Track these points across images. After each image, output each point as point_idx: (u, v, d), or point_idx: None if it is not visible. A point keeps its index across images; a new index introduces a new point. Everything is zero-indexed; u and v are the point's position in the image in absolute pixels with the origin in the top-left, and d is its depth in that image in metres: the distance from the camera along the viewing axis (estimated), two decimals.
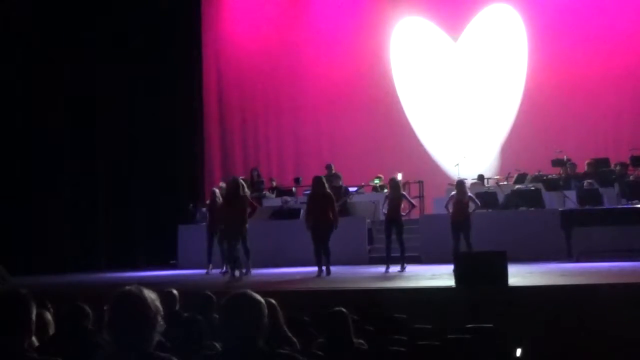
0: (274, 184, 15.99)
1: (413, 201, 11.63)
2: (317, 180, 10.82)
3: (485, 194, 12.37)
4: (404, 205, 11.10)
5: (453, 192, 11.21)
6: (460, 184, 11.20)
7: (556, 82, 16.15)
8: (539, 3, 16.90)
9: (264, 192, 15.02)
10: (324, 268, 10.45)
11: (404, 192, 11.47)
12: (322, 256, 10.47)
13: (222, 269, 11.67)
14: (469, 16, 17.19)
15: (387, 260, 10.84)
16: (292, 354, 3.00)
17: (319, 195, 10.62)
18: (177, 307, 5.97)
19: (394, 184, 11.17)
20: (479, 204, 11.20)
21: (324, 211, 10.45)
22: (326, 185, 10.88)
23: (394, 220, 10.85)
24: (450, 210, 10.99)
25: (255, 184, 14.77)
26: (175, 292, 6.08)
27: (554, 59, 16.24)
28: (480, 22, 17.13)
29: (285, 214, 13.70)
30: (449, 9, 17.23)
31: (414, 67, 17.44)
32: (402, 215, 11.00)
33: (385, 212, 11.00)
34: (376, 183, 14.99)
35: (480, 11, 17.15)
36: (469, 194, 11.13)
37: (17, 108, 14.59)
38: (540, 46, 16.45)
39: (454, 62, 17.06)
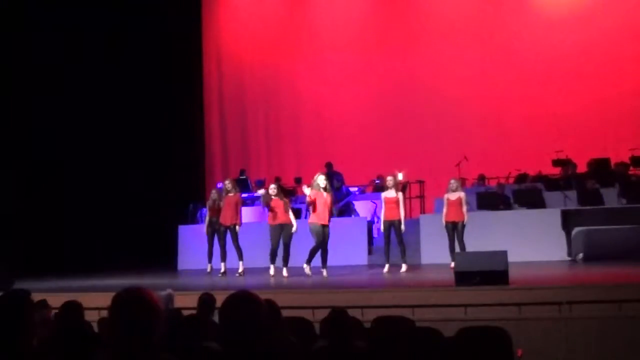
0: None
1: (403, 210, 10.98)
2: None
3: (486, 194, 12.34)
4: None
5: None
6: (450, 183, 11.11)
7: (556, 82, 16.16)
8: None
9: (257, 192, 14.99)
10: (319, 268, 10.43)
11: (399, 192, 11.26)
12: (317, 256, 10.42)
13: (221, 268, 11.68)
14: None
15: (386, 260, 10.81)
16: (291, 354, 2.99)
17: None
18: (177, 307, 5.98)
19: (393, 183, 11.07)
20: (466, 205, 10.98)
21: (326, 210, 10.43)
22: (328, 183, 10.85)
23: (391, 222, 10.77)
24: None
25: (240, 183, 14.70)
26: (174, 292, 6.08)
27: (554, 59, 16.24)
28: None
29: None
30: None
31: (414, 65, 17.44)
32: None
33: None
34: (377, 183, 14.98)
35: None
36: (459, 194, 10.95)
37: (16, 108, 14.61)
38: (539, 46, 16.45)
39: (454, 62, 17.05)
